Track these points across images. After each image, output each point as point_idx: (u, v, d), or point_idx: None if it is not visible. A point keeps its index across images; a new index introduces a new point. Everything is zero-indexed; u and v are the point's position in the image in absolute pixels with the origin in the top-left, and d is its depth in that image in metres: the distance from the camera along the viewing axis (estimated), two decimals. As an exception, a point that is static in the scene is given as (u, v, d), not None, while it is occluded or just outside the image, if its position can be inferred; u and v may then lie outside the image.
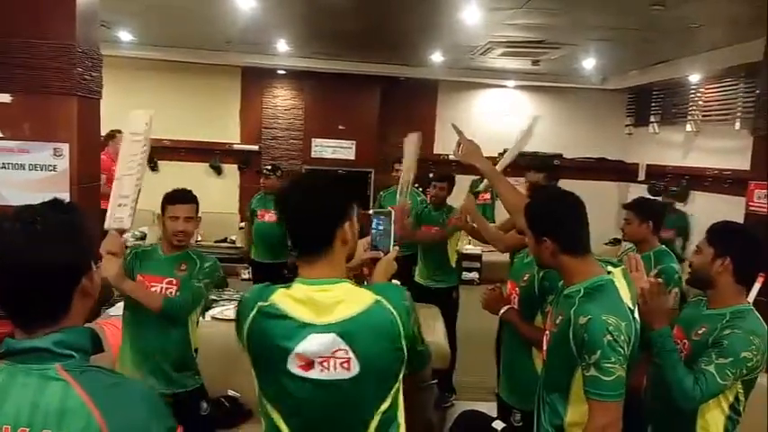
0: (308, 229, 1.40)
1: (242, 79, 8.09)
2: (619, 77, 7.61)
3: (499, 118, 8.22)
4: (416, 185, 5.36)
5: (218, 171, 8.20)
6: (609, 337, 1.59)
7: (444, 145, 8.05)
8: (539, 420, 1.87)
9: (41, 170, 3.10)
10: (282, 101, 8.21)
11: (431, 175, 7.16)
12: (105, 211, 2.24)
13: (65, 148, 3.09)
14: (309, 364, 1.33)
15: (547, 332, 1.85)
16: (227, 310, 3.52)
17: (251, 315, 1.36)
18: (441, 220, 4.32)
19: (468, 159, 2.37)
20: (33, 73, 3.01)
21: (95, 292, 1.07)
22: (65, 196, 3.11)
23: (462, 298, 4.46)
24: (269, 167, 5.32)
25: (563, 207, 1.83)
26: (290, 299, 1.35)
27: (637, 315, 1.79)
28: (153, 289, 2.49)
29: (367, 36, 6.00)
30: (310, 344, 1.32)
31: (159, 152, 7.86)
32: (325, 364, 1.32)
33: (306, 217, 1.39)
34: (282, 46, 6.74)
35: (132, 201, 2.22)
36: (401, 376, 1.40)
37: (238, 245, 6.91)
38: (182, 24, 5.84)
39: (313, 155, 7.93)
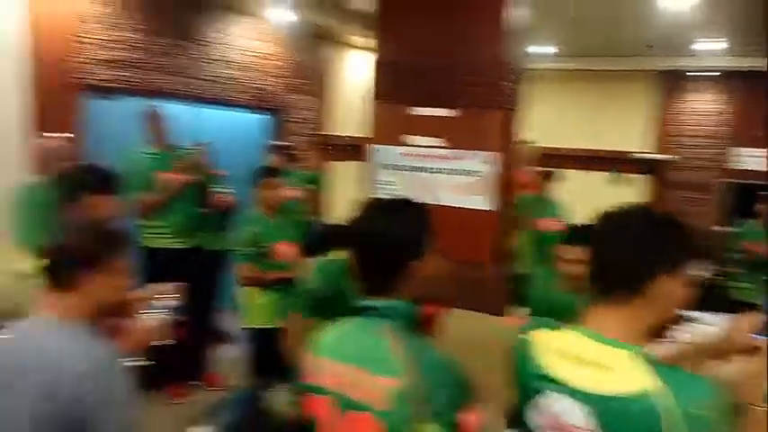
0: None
1: (656, 84, 7.60)
2: None
3: None
4: None
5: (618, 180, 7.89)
6: None
7: None
8: None
9: (470, 176, 3.51)
10: (704, 105, 7.39)
11: None
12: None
13: (491, 156, 3.42)
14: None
15: None
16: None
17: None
18: None
19: None
20: (473, 89, 3.43)
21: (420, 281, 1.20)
22: (487, 200, 3.45)
23: None
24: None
25: None
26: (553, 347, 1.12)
27: None
28: None
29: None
30: (550, 403, 1.07)
31: (562, 161, 8.04)
32: None
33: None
34: (711, 45, 6.11)
35: None
36: None
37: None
38: (602, 33, 5.81)
39: (733, 165, 7.00)
